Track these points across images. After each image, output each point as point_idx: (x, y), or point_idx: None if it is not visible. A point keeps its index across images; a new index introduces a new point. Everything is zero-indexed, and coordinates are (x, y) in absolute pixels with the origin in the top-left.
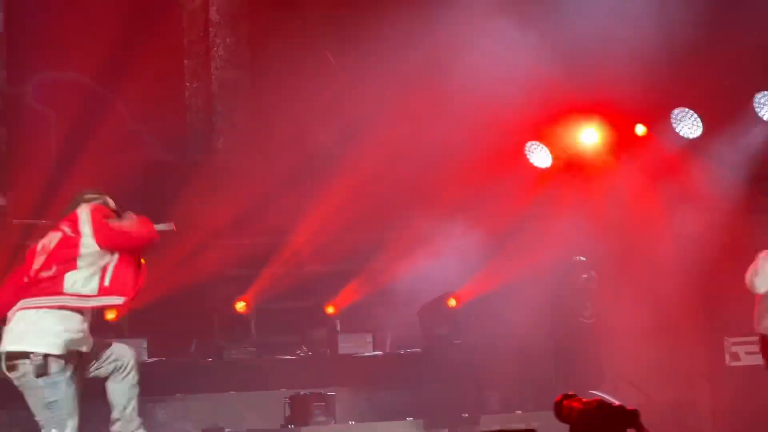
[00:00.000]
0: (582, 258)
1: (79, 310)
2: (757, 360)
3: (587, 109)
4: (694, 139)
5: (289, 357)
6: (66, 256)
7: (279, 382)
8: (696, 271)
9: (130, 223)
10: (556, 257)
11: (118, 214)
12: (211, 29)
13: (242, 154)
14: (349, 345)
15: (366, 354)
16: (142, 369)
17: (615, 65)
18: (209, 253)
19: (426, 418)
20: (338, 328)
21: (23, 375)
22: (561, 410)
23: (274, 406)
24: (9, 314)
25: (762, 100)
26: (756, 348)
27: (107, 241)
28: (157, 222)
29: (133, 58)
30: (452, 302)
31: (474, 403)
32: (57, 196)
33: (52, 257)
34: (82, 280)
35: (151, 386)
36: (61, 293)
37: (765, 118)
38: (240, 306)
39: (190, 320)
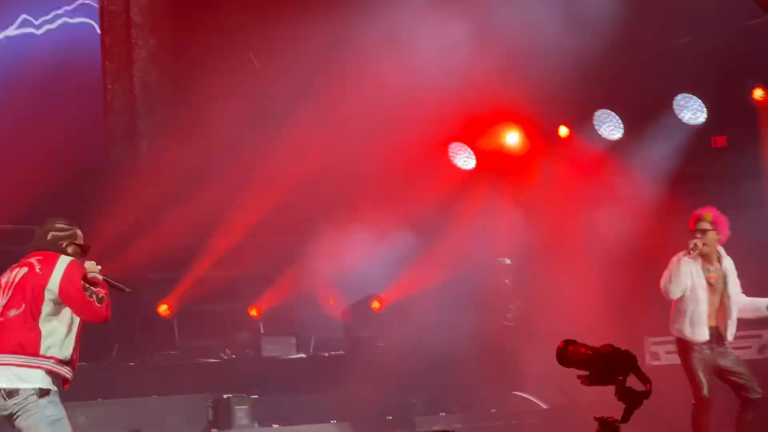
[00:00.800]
0: (506, 260)
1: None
2: (676, 359)
3: (511, 111)
4: (615, 141)
5: (212, 360)
6: (32, 296)
7: (202, 385)
8: (618, 272)
9: (100, 302)
10: (479, 259)
11: (85, 249)
12: (132, 31)
13: (164, 155)
14: (272, 348)
15: (290, 356)
16: None
17: (538, 67)
18: (131, 256)
19: (350, 421)
20: (262, 331)
21: (26, 398)
22: (564, 353)
23: (197, 410)
24: None
25: (682, 102)
26: (675, 348)
27: (70, 304)
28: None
29: None
30: (376, 304)
31: (398, 405)
32: None
33: (18, 294)
34: (58, 345)
35: (72, 390)
36: (37, 355)
37: (684, 120)
38: (163, 309)
39: (112, 324)
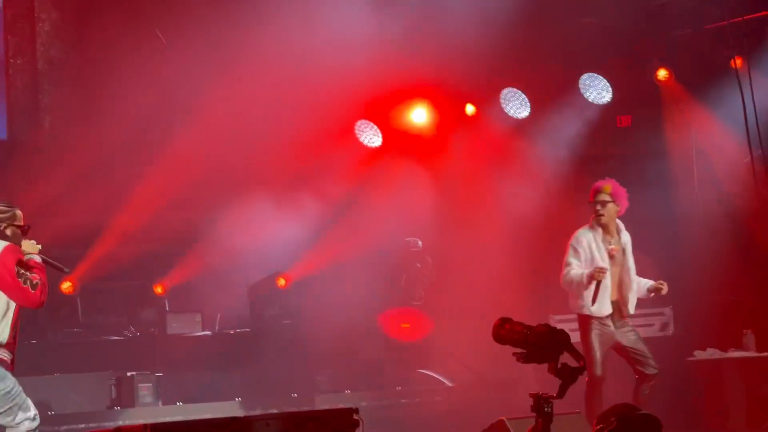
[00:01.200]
0: (418, 242)
1: None
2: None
3: (417, 88)
4: (522, 119)
5: (116, 338)
6: None
7: (106, 363)
8: (524, 249)
9: (34, 288)
10: (386, 238)
11: (24, 230)
12: (35, 4)
13: (68, 131)
14: (177, 325)
15: (195, 334)
16: None
17: (444, 45)
18: (32, 234)
19: (255, 398)
20: (167, 308)
21: None
22: (500, 331)
23: (101, 387)
24: None
25: (587, 82)
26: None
27: (5, 290)
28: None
29: None
30: (282, 282)
31: (304, 383)
32: None
33: None
34: None
35: None
36: None
37: (590, 99)
38: (65, 286)
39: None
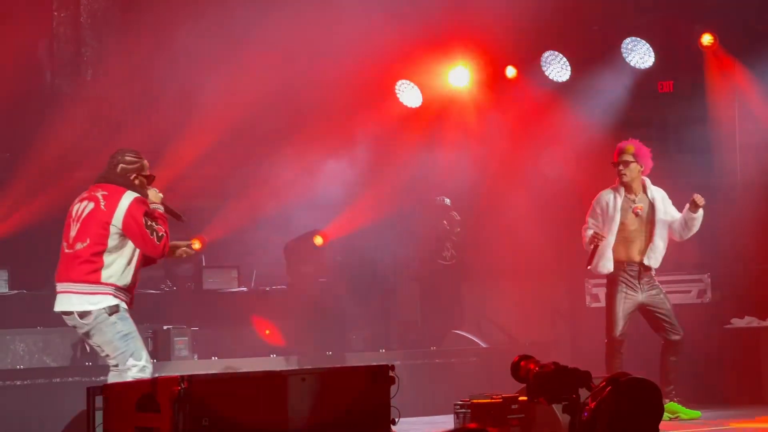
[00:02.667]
0: (446, 200)
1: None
2: None
3: (458, 49)
4: (562, 83)
5: (152, 291)
6: (97, 231)
7: (142, 316)
8: (560, 214)
9: (159, 240)
10: (421, 198)
11: (150, 179)
12: None
13: (111, 85)
14: (214, 280)
15: (231, 290)
16: (2, 300)
17: (487, 7)
18: (74, 184)
19: (289, 355)
20: (203, 263)
21: (97, 317)
22: (518, 371)
23: None
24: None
25: (629, 46)
26: None
27: (132, 238)
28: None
29: None
30: (319, 240)
31: (338, 341)
32: None
33: (84, 228)
34: (118, 274)
35: (11, 319)
36: (99, 283)
37: (632, 64)
38: None
39: (53, 251)
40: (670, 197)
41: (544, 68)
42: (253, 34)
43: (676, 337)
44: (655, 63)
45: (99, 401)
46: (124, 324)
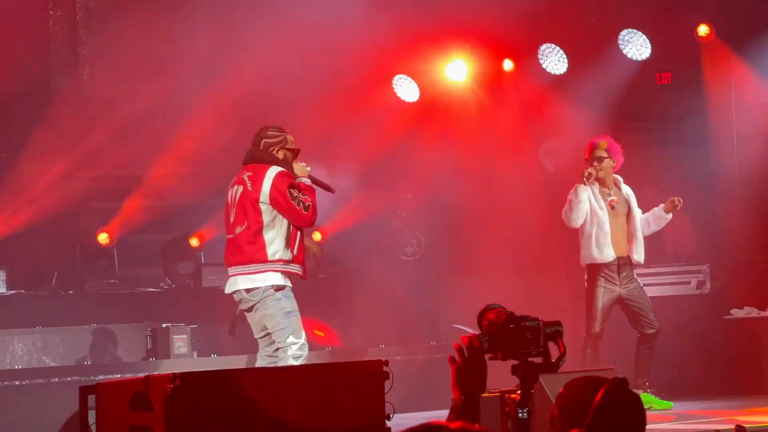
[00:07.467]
0: (408, 195)
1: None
2: None
3: (455, 43)
4: (559, 75)
5: (151, 289)
6: (251, 212)
7: (141, 314)
8: (559, 206)
9: (306, 210)
10: (423, 191)
11: (295, 153)
12: None
13: (107, 84)
14: (213, 278)
15: None
16: (1, 300)
17: (482, 0)
18: (72, 184)
19: None
20: (203, 261)
21: (263, 291)
22: (480, 322)
23: (136, 338)
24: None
25: (626, 38)
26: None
27: (280, 211)
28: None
29: None
30: (317, 236)
31: (338, 336)
32: None
33: (240, 212)
34: (283, 249)
35: (10, 319)
36: (266, 261)
37: (629, 56)
38: (103, 238)
39: (52, 251)
40: (667, 188)
41: (541, 61)
42: (249, 31)
43: (651, 331)
44: (652, 55)
45: (92, 401)
46: (288, 302)
